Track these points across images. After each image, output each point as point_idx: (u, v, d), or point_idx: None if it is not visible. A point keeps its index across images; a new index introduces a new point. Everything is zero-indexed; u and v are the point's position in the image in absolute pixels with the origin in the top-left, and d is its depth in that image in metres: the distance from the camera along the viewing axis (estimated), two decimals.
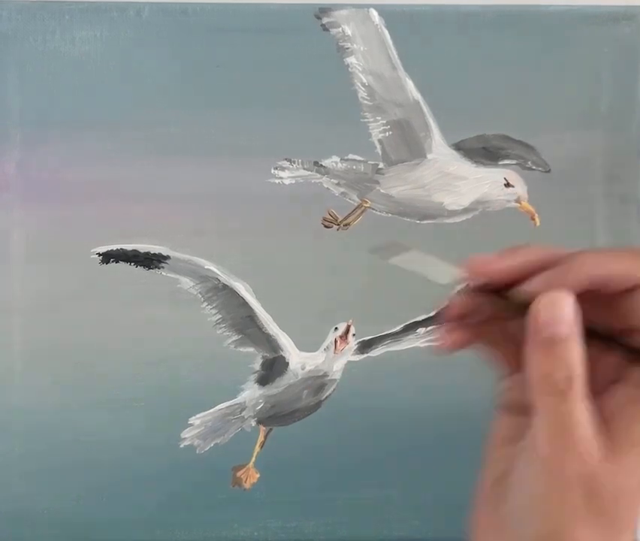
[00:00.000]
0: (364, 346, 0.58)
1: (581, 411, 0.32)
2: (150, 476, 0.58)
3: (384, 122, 0.56)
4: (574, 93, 0.56)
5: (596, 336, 0.33)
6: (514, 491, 0.34)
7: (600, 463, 0.32)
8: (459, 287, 0.36)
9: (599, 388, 0.34)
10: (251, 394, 0.58)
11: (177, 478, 0.58)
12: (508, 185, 0.56)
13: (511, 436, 0.35)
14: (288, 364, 0.58)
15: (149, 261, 0.57)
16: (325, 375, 0.58)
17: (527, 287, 0.33)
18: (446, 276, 0.36)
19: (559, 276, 0.33)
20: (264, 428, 0.59)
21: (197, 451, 0.58)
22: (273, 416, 0.58)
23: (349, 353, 0.58)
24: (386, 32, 0.55)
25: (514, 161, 0.56)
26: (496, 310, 0.35)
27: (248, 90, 0.56)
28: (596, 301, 0.33)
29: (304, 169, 0.56)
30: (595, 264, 0.32)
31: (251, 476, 0.58)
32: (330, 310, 0.58)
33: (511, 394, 0.36)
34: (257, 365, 0.58)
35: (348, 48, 0.55)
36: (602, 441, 0.32)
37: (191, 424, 0.58)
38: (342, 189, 0.57)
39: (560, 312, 0.32)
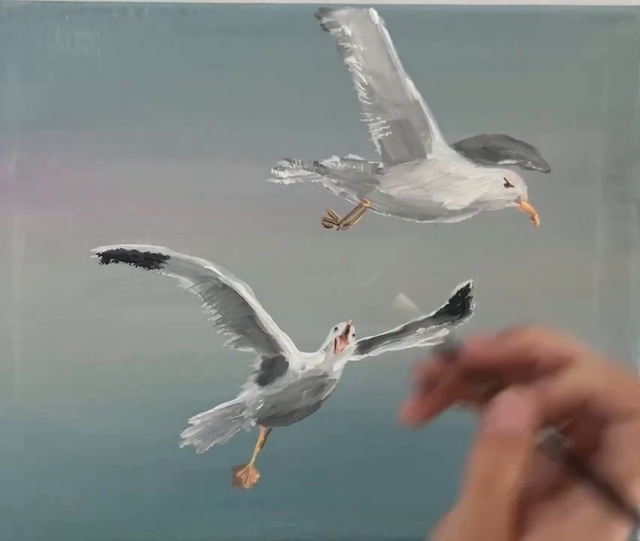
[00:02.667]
0: (364, 346, 0.58)
1: (496, 513, 0.32)
2: (150, 476, 0.58)
3: (384, 122, 0.56)
4: (574, 93, 0.56)
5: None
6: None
7: None
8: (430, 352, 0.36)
9: (541, 491, 0.34)
10: (251, 394, 0.58)
11: (177, 478, 0.58)
12: (508, 185, 0.56)
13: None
14: (288, 364, 0.58)
15: (149, 261, 0.57)
16: (325, 375, 0.58)
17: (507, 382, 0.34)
18: (448, 346, 0.36)
19: (536, 395, 0.32)
20: (264, 428, 0.59)
21: (198, 451, 0.58)
22: (273, 416, 0.58)
23: (349, 353, 0.58)
24: (386, 32, 0.55)
25: (514, 161, 0.56)
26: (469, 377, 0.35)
27: (248, 90, 0.56)
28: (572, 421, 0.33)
29: (304, 169, 0.56)
30: (578, 386, 0.32)
31: (251, 476, 0.58)
32: (330, 310, 0.58)
33: None
34: (257, 365, 0.58)
35: (348, 48, 0.55)
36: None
37: (191, 424, 0.58)
38: (342, 189, 0.57)
39: (515, 411, 0.33)
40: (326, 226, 0.57)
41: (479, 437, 0.33)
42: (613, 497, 0.30)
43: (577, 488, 0.32)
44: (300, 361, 0.58)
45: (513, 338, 0.35)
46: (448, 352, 0.35)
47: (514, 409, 0.33)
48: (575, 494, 0.32)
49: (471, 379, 0.34)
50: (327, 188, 0.57)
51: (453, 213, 0.57)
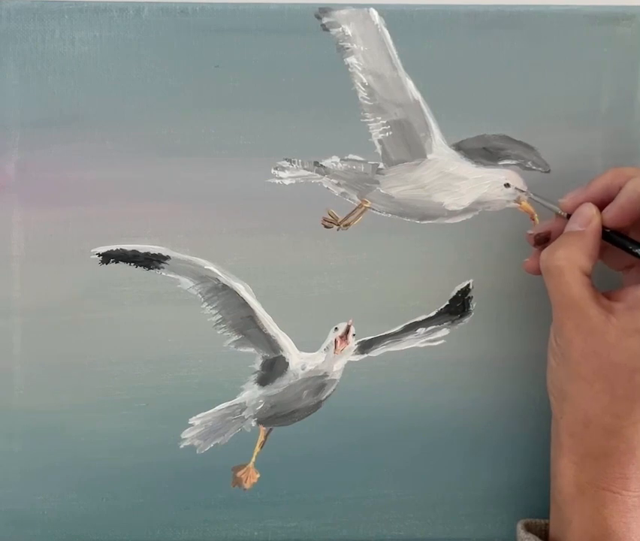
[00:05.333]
0: (364, 346, 0.58)
1: (578, 286, 0.45)
2: (150, 476, 0.58)
3: (384, 122, 0.56)
4: (574, 93, 0.56)
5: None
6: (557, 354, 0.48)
7: (600, 326, 0.44)
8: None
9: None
10: (251, 394, 0.58)
11: (177, 478, 0.58)
12: (508, 185, 0.56)
13: None
14: (288, 364, 0.58)
15: (149, 261, 0.57)
16: (325, 375, 0.58)
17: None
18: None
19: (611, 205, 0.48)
20: (264, 428, 0.59)
21: (198, 452, 0.58)
22: (273, 416, 0.58)
23: (349, 353, 0.58)
24: (386, 32, 0.55)
25: (514, 162, 0.56)
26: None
27: (247, 90, 0.56)
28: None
29: (304, 169, 0.56)
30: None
31: (251, 476, 0.58)
32: (330, 310, 0.58)
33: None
34: (257, 365, 0.58)
35: (348, 48, 0.55)
36: (603, 307, 0.45)
37: (191, 425, 0.58)
38: (342, 189, 0.57)
39: (584, 212, 0.48)
40: (326, 226, 0.57)
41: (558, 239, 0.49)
42: None
43: None
44: (300, 361, 0.58)
45: (594, 182, 0.49)
46: (543, 236, 0.52)
47: (582, 213, 0.48)
48: None
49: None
50: (328, 188, 0.57)
51: (453, 213, 0.57)
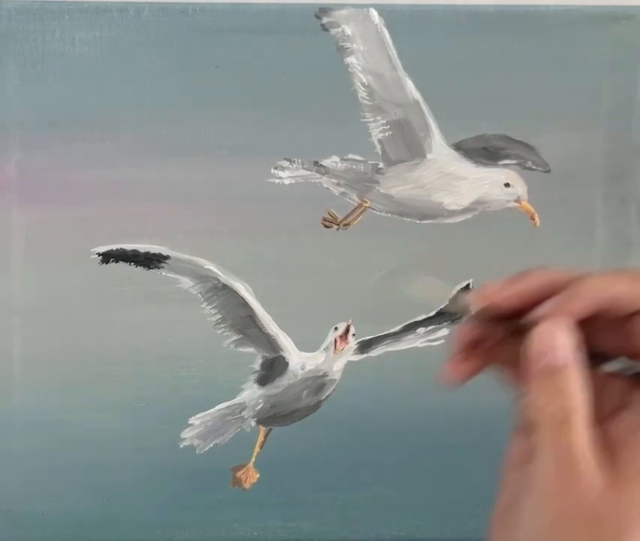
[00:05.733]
0: (364, 346, 0.58)
1: (582, 443, 0.31)
2: (150, 476, 0.58)
3: (384, 121, 0.56)
4: (574, 93, 0.56)
5: (601, 361, 0.33)
6: (522, 519, 0.33)
7: (603, 494, 0.31)
8: (468, 314, 0.36)
9: (604, 414, 0.33)
10: (251, 394, 0.58)
11: (177, 478, 0.58)
12: (507, 185, 0.56)
13: (525, 459, 0.34)
14: (287, 364, 0.58)
15: (149, 260, 0.57)
16: (325, 375, 0.58)
17: (533, 315, 0.32)
18: (459, 304, 0.36)
19: (563, 302, 0.32)
20: (264, 428, 0.59)
21: (197, 452, 0.58)
22: (273, 416, 0.58)
23: (349, 353, 0.58)
24: (386, 32, 0.55)
25: (514, 161, 0.56)
26: (507, 335, 0.35)
27: (247, 90, 0.56)
28: (602, 326, 0.33)
29: (304, 169, 0.56)
30: (601, 287, 0.32)
31: (251, 476, 0.58)
32: (330, 310, 0.58)
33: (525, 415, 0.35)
34: (257, 365, 0.58)
35: (347, 48, 0.55)
36: (606, 470, 0.31)
37: (191, 425, 0.58)
38: (341, 189, 0.57)
39: (555, 341, 0.32)
40: (326, 226, 0.57)
41: (531, 382, 0.32)
42: None
43: None
44: (299, 360, 0.58)
45: (526, 278, 0.34)
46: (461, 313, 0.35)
47: (554, 339, 0.32)
48: None
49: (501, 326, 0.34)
50: (327, 188, 0.57)
51: (453, 213, 0.57)
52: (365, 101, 0.56)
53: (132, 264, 0.57)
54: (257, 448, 0.59)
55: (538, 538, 0.32)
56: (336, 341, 0.57)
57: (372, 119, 0.56)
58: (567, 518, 0.31)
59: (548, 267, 0.33)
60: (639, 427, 0.32)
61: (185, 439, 0.58)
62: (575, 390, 0.32)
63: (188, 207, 0.57)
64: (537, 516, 0.32)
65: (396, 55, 0.55)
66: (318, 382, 0.58)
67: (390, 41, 0.55)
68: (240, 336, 0.58)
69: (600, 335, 0.33)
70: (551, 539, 0.32)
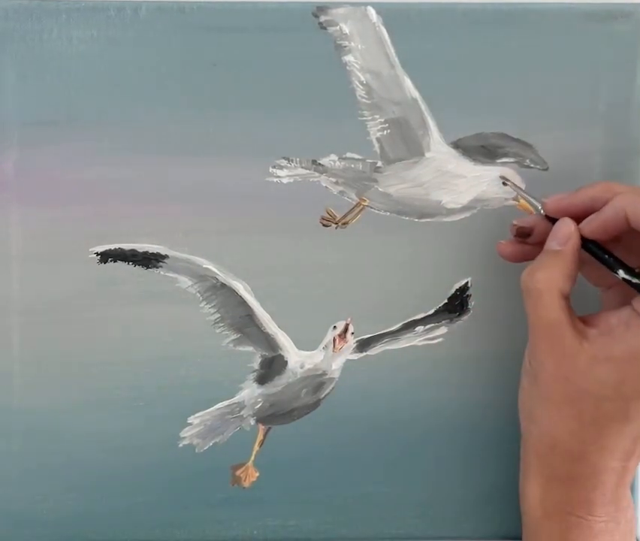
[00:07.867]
0: (363, 345, 0.58)
1: (556, 310, 0.44)
2: (149, 475, 0.58)
3: (382, 120, 0.56)
4: (572, 91, 0.56)
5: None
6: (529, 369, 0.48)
7: (573, 351, 0.44)
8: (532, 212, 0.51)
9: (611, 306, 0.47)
10: (250, 393, 0.58)
11: (176, 477, 0.58)
12: (505, 183, 0.56)
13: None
14: (286, 362, 0.58)
15: (148, 260, 0.57)
16: (324, 374, 0.58)
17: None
18: (530, 204, 0.52)
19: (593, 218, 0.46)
20: (263, 427, 0.59)
21: (197, 451, 0.58)
22: (272, 415, 0.58)
23: (348, 352, 0.58)
24: (384, 30, 0.55)
25: (512, 160, 0.56)
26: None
27: (245, 89, 0.56)
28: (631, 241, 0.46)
29: (302, 168, 0.56)
30: (624, 203, 0.44)
31: (250, 475, 0.59)
32: (329, 309, 0.58)
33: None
34: (256, 364, 0.58)
35: (345, 46, 0.55)
36: (577, 332, 0.44)
37: (190, 424, 0.58)
38: (340, 188, 0.57)
39: (558, 232, 0.46)
40: (324, 225, 0.57)
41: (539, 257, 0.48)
42: None
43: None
44: (298, 359, 0.58)
45: (581, 191, 0.48)
46: (525, 230, 0.51)
47: (560, 230, 0.47)
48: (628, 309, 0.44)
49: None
50: (326, 186, 0.57)
51: (451, 211, 0.57)
52: (363, 100, 0.56)
53: (131, 263, 0.57)
54: (256, 447, 0.59)
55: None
56: (334, 340, 0.57)
57: (370, 118, 0.56)
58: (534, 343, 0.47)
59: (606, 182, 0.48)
60: (627, 316, 0.44)
61: (184, 438, 0.58)
62: (562, 273, 0.45)
63: (186, 205, 0.57)
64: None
65: (394, 53, 0.55)
66: (317, 381, 0.58)
67: (388, 39, 0.55)
68: (238, 335, 0.58)
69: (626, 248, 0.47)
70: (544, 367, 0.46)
